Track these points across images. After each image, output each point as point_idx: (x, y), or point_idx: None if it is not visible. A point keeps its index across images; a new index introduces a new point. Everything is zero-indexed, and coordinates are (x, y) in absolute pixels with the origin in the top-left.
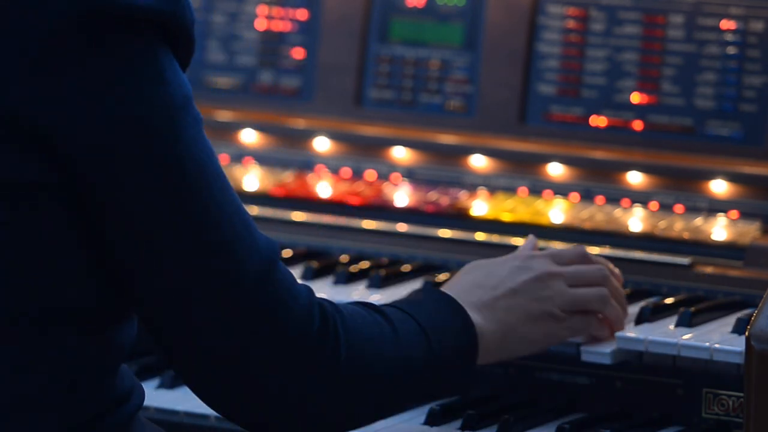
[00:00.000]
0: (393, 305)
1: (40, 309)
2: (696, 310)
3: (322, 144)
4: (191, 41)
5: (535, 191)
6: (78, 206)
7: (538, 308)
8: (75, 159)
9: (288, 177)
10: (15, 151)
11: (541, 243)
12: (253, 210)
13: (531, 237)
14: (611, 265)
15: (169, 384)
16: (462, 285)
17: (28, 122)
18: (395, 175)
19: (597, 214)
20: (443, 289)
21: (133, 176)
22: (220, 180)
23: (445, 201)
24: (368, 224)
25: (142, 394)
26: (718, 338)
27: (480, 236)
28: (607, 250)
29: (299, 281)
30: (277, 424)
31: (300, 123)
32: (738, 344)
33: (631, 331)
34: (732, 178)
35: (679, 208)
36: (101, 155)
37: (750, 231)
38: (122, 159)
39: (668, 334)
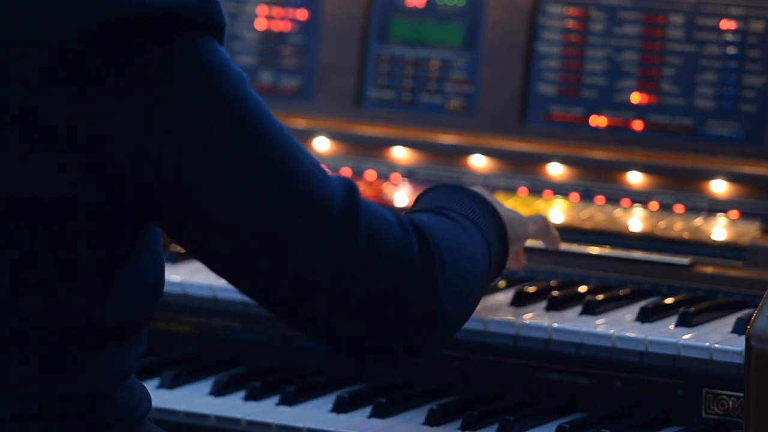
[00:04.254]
0: (447, 208)
1: (56, 325)
2: (696, 310)
3: (322, 144)
4: (221, 39)
5: (535, 191)
6: (123, 222)
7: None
8: (130, 162)
9: None
10: (63, 166)
11: (541, 243)
12: None
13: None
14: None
15: (169, 384)
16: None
17: (72, 132)
18: (395, 175)
19: (597, 214)
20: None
21: (191, 152)
22: (279, 133)
23: None
24: None
25: (148, 402)
26: (718, 338)
27: None
28: (607, 250)
29: None
30: (411, 342)
31: (300, 123)
32: (738, 344)
33: (631, 331)
34: (732, 178)
35: (679, 208)
36: (153, 142)
37: (750, 231)
38: (175, 140)
39: (668, 334)
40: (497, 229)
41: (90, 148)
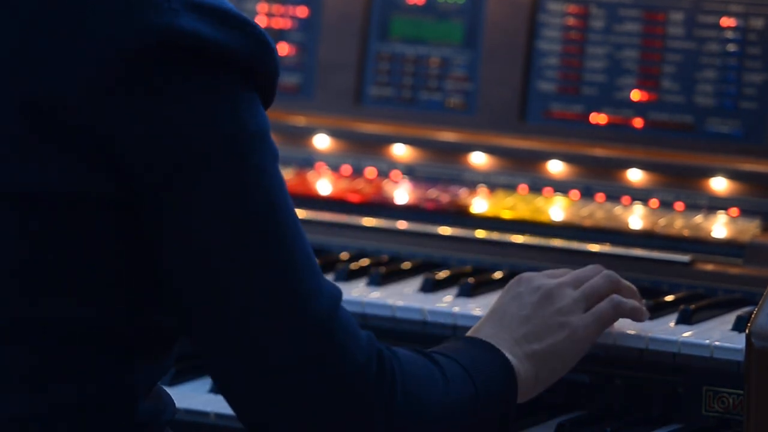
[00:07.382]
0: (435, 351)
1: (76, 327)
2: (696, 308)
3: (322, 141)
4: (272, 88)
5: (535, 189)
6: (135, 229)
7: (557, 320)
8: (142, 178)
9: (288, 174)
10: (83, 162)
11: (541, 240)
12: None
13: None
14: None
15: (169, 381)
16: (485, 330)
17: (101, 138)
18: (395, 173)
19: (597, 211)
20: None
21: (198, 199)
22: (288, 215)
23: (445, 198)
24: (368, 221)
25: (172, 408)
26: (719, 336)
27: (480, 234)
28: (607, 248)
29: None
30: None
31: (300, 120)
32: (738, 342)
33: (631, 329)
34: (732, 175)
35: (679, 205)
36: (168, 175)
37: (750, 228)
38: (187, 181)
39: (668, 331)
40: (503, 381)
41: (110, 151)
